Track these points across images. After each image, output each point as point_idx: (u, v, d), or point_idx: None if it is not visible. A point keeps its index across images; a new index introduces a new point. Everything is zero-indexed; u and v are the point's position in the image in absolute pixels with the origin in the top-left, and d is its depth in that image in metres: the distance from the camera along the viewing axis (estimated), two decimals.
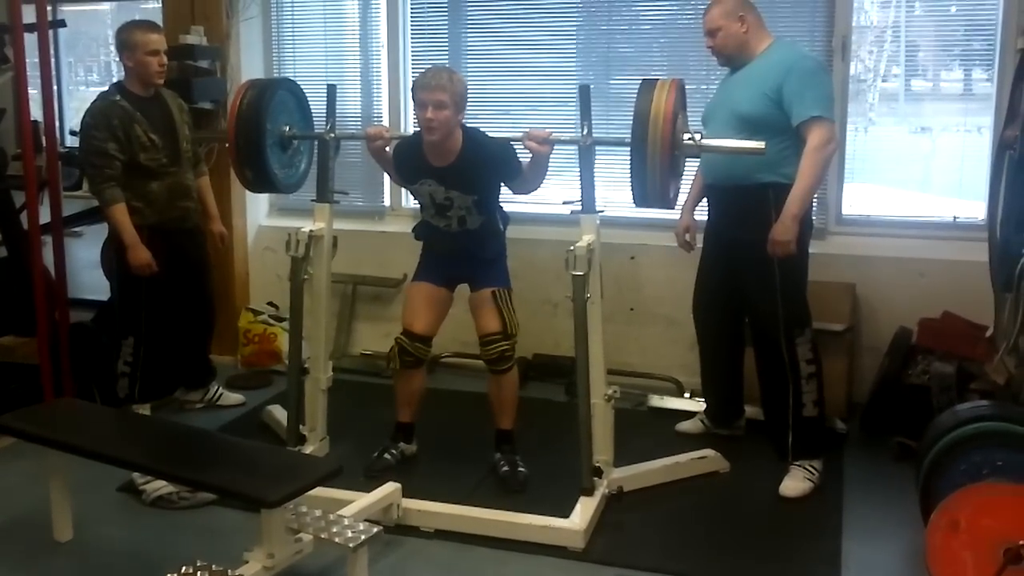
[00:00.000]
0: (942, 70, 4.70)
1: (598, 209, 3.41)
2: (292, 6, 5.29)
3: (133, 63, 3.98)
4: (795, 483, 3.58)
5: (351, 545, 2.75)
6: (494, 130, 3.72)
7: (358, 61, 5.27)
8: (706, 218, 3.85)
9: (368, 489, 3.34)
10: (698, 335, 4.03)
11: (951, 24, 4.47)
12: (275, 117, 3.73)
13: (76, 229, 5.32)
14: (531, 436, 3.94)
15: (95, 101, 4.01)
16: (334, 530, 2.81)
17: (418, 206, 3.79)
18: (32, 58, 4.17)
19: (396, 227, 5.13)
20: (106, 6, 6.99)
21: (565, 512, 3.29)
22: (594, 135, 3.37)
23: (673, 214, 3.84)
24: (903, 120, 4.79)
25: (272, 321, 5.11)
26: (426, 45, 5.12)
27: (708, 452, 3.80)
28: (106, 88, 4.09)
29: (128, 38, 3.98)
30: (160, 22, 4.99)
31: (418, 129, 3.51)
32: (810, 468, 3.62)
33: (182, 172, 4.14)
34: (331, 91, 3.83)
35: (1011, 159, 3.51)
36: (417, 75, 3.48)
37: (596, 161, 3.41)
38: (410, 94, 3.50)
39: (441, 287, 3.75)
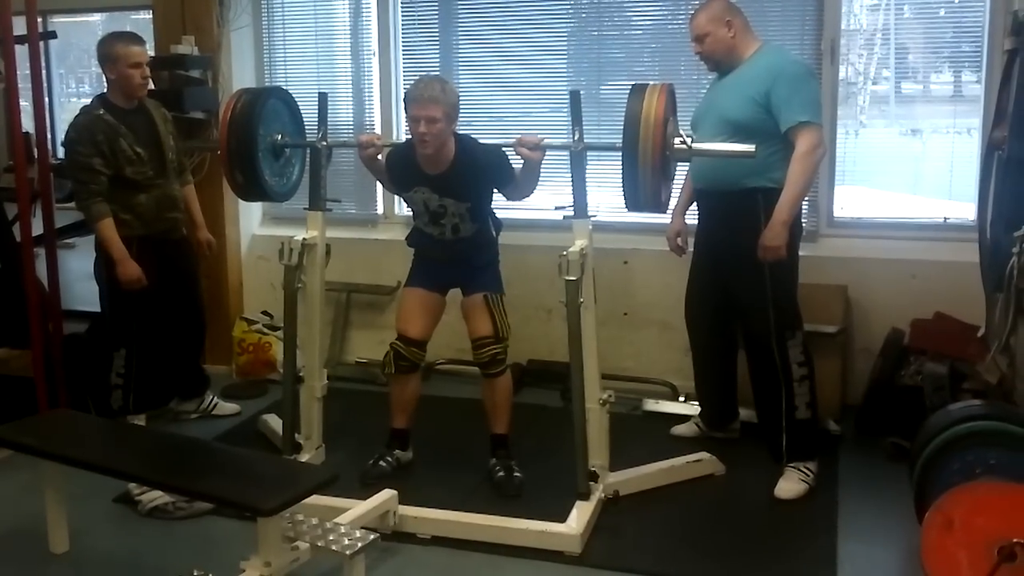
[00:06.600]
0: (932, 72, 4.73)
1: (590, 214, 3.43)
2: (283, 15, 5.30)
3: (116, 75, 3.97)
4: (790, 485, 3.59)
5: (348, 553, 2.75)
6: (486, 137, 3.73)
7: (350, 69, 5.27)
8: (696, 223, 3.86)
9: (364, 496, 3.34)
10: (690, 339, 4.04)
11: (940, 27, 4.51)
12: (267, 125, 3.74)
13: (69, 240, 5.32)
14: (527, 441, 3.95)
15: (78, 116, 3.99)
16: (331, 538, 2.81)
17: (411, 213, 3.79)
18: (23, 70, 4.17)
19: (389, 235, 5.14)
20: (96, 17, 7.00)
21: (561, 516, 3.30)
22: (586, 140, 3.39)
23: (666, 218, 3.85)
24: (893, 122, 4.82)
25: (266, 330, 5.11)
26: (418, 52, 5.13)
27: (703, 455, 3.81)
28: (89, 101, 4.08)
29: (110, 51, 3.96)
30: (151, 32, 5.01)
31: (410, 137, 3.52)
32: (805, 470, 3.63)
33: (168, 183, 4.13)
34: (322, 99, 3.83)
35: (1000, 160, 3.53)
36: (409, 84, 3.49)
37: (588, 166, 3.42)
38: (402, 104, 3.50)
39: (434, 292, 3.76)
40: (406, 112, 3.46)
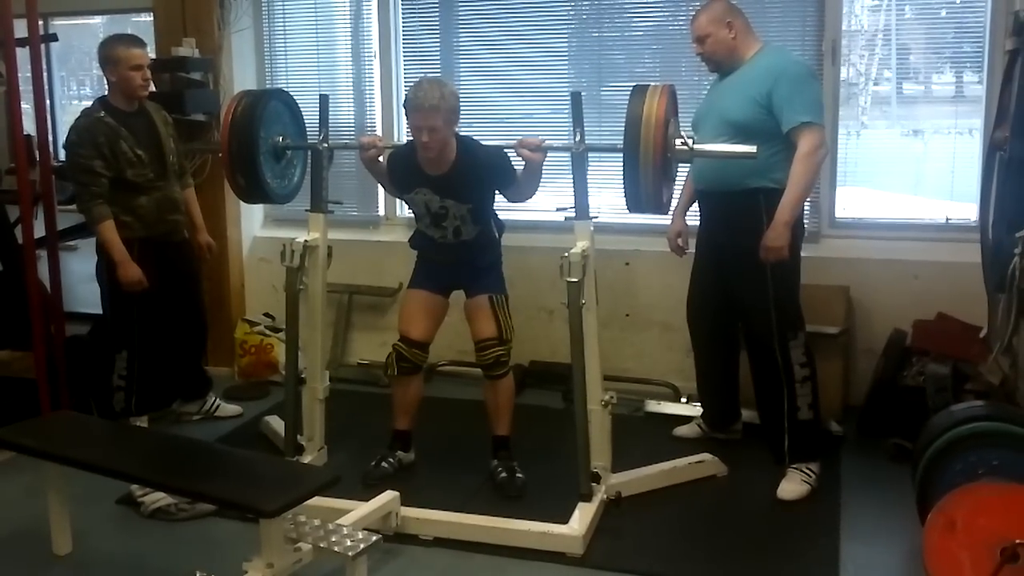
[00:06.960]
0: (933, 73, 4.72)
1: (592, 215, 3.43)
2: (284, 17, 5.30)
3: (116, 78, 3.98)
4: (792, 486, 3.59)
5: (350, 554, 2.75)
6: (487, 138, 3.73)
7: (350, 71, 5.27)
8: (698, 224, 3.86)
9: (366, 498, 3.34)
10: (692, 340, 4.04)
11: (941, 27, 4.51)
12: (269, 127, 3.74)
13: (71, 243, 5.32)
14: (528, 443, 3.94)
15: (79, 118, 4.00)
16: (333, 539, 2.81)
17: (413, 215, 3.79)
18: (24, 72, 4.17)
19: (391, 236, 5.14)
20: (97, 19, 7.01)
21: (563, 518, 3.30)
22: (587, 142, 3.38)
23: (667, 219, 3.85)
24: (895, 123, 4.82)
25: (268, 332, 5.11)
26: (418, 54, 5.13)
27: (705, 456, 3.81)
28: (90, 104, 4.08)
29: (110, 53, 3.97)
30: (152, 35, 5.02)
31: (412, 139, 3.52)
32: (807, 471, 3.63)
33: (169, 186, 4.14)
34: (324, 101, 3.84)
35: (1002, 160, 3.52)
36: (410, 85, 3.48)
37: (589, 167, 3.42)
38: (403, 107, 3.50)
39: (437, 294, 3.76)
40: (407, 118, 3.46)
